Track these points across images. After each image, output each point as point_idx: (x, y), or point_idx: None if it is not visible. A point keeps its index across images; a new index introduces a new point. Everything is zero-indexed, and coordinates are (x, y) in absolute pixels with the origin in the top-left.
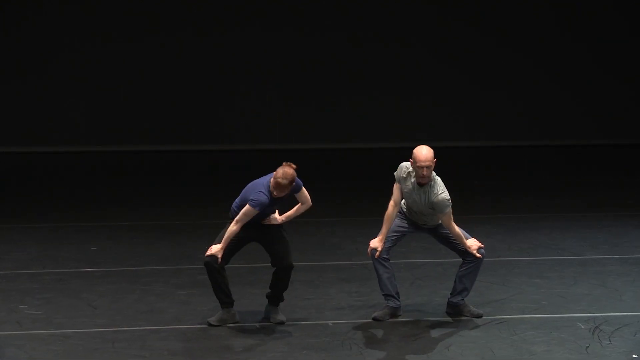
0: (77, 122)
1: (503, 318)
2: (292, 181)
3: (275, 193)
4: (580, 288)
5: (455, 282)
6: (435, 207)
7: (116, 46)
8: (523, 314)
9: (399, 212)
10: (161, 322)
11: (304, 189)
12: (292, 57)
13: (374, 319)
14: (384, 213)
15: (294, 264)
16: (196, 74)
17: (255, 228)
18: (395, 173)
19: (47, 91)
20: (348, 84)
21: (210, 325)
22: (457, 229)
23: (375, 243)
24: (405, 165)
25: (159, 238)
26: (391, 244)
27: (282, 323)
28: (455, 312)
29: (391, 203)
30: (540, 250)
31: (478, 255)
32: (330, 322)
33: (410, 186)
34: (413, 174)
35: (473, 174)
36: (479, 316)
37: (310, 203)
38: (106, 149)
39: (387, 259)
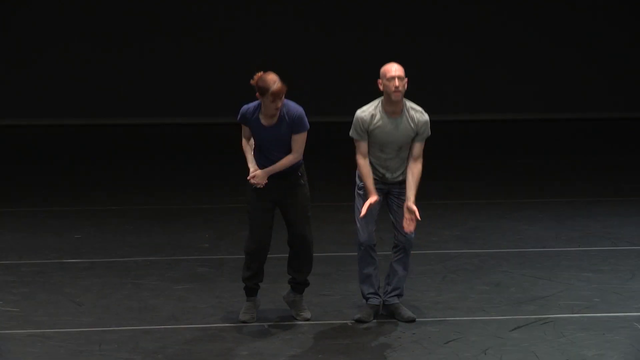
0: (65, 95)
1: (549, 317)
2: (277, 82)
3: (275, 106)
4: (639, 283)
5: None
6: (420, 129)
7: (116, 46)
8: (572, 313)
9: (359, 180)
10: (155, 322)
11: (305, 133)
12: (293, 57)
13: (358, 320)
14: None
15: (313, 240)
16: (196, 73)
17: (277, 189)
18: (354, 130)
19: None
20: (348, 84)
21: (243, 322)
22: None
23: (371, 200)
24: (362, 112)
25: (153, 225)
26: (374, 226)
27: (306, 320)
28: (388, 314)
29: (360, 158)
30: (593, 239)
31: (406, 229)
32: (349, 322)
33: (381, 122)
34: (379, 108)
35: (519, 150)
36: (413, 320)
37: (300, 156)
38: (93, 122)
39: (374, 247)
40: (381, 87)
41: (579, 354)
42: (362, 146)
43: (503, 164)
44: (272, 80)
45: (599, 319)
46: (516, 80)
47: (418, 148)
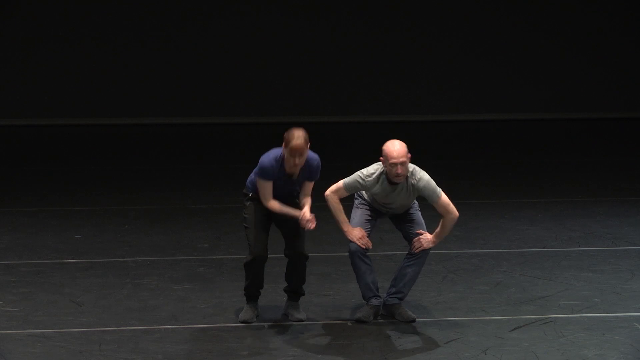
0: (65, 95)
1: (549, 317)
2: (307, 140)
3: (293, 161)
4: (639, 283)
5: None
6: (423, 193)
7: (116, 46)
8: (572, 313)
9: (360, 198)
10: (155, 322)
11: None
12: (293, 57)
13: (358, 320)
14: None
15: (309, 255)
16: (196, 73)
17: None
18: (349, 185)
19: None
20: (348, 84)
21: (245, 323)
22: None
23: (357, 233)
24: (365, 178)
25: (153, 225)
26: (368, 233)
27: (300, 321)
28: (388, 314)
29: (334, 197)
30: (593, 239)
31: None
32: (349, 322)
33: (382, 190)
34: (382, 178)
35: (519, 150)
36: (413, 320)
37: (310, 198)
38: (93, 122)
39: (366, 253)
40: (385, 166)
41: (579, 354)
42: (344, 195)
43: (503, 164)
44: (297, 135)
45: (599, 319)
46: (516, 80)
47: (439, 208)
